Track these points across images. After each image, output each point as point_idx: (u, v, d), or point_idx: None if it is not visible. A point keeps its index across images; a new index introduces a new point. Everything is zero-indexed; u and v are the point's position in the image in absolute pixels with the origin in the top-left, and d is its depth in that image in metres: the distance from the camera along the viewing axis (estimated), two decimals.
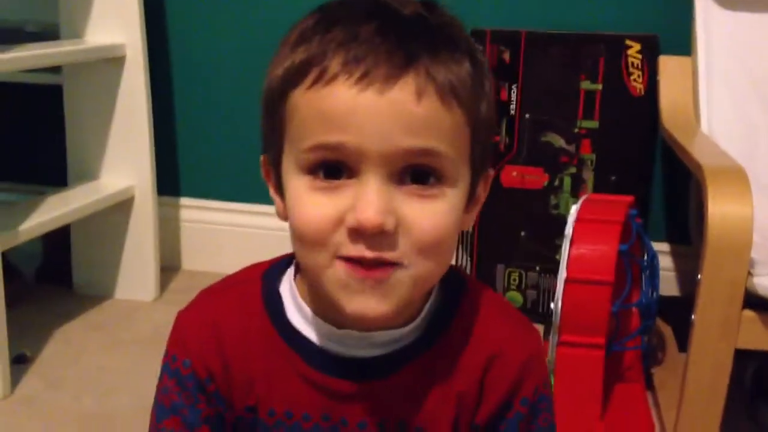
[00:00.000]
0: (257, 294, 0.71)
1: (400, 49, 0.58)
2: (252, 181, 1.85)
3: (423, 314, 0.69)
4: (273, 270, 0.72)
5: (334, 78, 0.58)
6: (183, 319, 0.72)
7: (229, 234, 1.90)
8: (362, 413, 0.69)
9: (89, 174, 1.72)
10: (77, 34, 1.65)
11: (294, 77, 0.61)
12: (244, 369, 0.69)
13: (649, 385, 1.38)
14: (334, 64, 0.58)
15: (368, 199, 0.58)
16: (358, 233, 0.59)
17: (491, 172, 0.70)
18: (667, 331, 1.54)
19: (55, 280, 1.80)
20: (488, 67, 0.66)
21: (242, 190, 1.89)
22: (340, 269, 0.60)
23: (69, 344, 1.54)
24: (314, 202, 0.60)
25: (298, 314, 0.69)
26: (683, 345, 1.32)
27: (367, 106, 0.58)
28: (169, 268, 1.88)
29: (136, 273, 1.74)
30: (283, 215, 0.66)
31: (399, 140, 0.58)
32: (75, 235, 1.75)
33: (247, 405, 0.70)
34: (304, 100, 0.60)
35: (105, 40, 1.63)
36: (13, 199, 1.67)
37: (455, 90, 0.60)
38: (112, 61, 1.64)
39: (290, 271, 0.72)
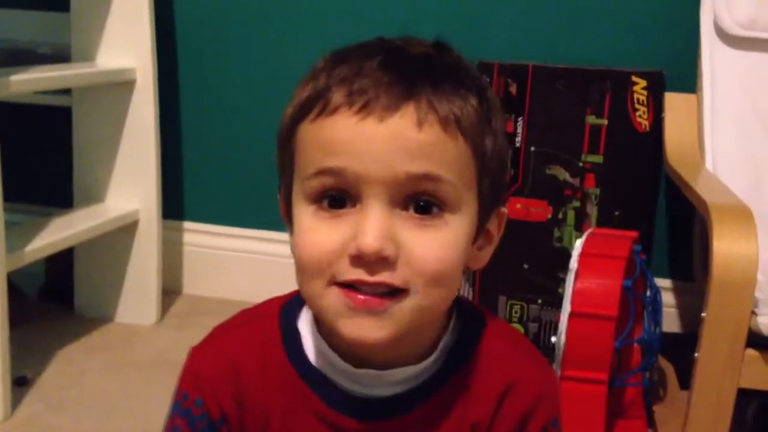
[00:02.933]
0: (275, 330, 0.70)
1: (402, 81, 0.59)
2: (256, 206, 1.86)
3: (440, 348, 0.68)
4: (291, 305, 0.72)
5: (336, 109, 0.60)
6: (198, 356, 0.71)
7: (232, 259, 1.90)
8: None
9: (95, 196, 1.72)
10: (89, 57, 1.67)
11: (301, 112, 0.62)
12: (261, 407, 0.68)
13: (650, 422, 1.37)
14: (337, 97, 0.60)
15: (368, 224, 0.58)
16: (359, 260, 0.59)
17: (505, 211, 0.69)
18: (667, 367, 1.54)
19: (57, 301, 1.80)
20: (499, 106, 0.66)
21: (246, 216, 1.89)
22: (334, 295, 0.60)
23: (70, 366, 1.54)
24: (319, 232, 0.60)
25: (317, 351, 0.69)
26: (684, 382, 1.32)
27: (367, 133, 0.58)
28: (170, 291, 1.88)
29: (137, 296, 1.74)
30: None
31: (399, 165, 0.58)
32: (78, 256, 1.75)
33: None
34: (309, 132, 0.61)
35: (116, 64, 1.65)
36: (18, 219, 1.67)
37: (459, 121, 0.60)
38: (122, 85, 1.65)
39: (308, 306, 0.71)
